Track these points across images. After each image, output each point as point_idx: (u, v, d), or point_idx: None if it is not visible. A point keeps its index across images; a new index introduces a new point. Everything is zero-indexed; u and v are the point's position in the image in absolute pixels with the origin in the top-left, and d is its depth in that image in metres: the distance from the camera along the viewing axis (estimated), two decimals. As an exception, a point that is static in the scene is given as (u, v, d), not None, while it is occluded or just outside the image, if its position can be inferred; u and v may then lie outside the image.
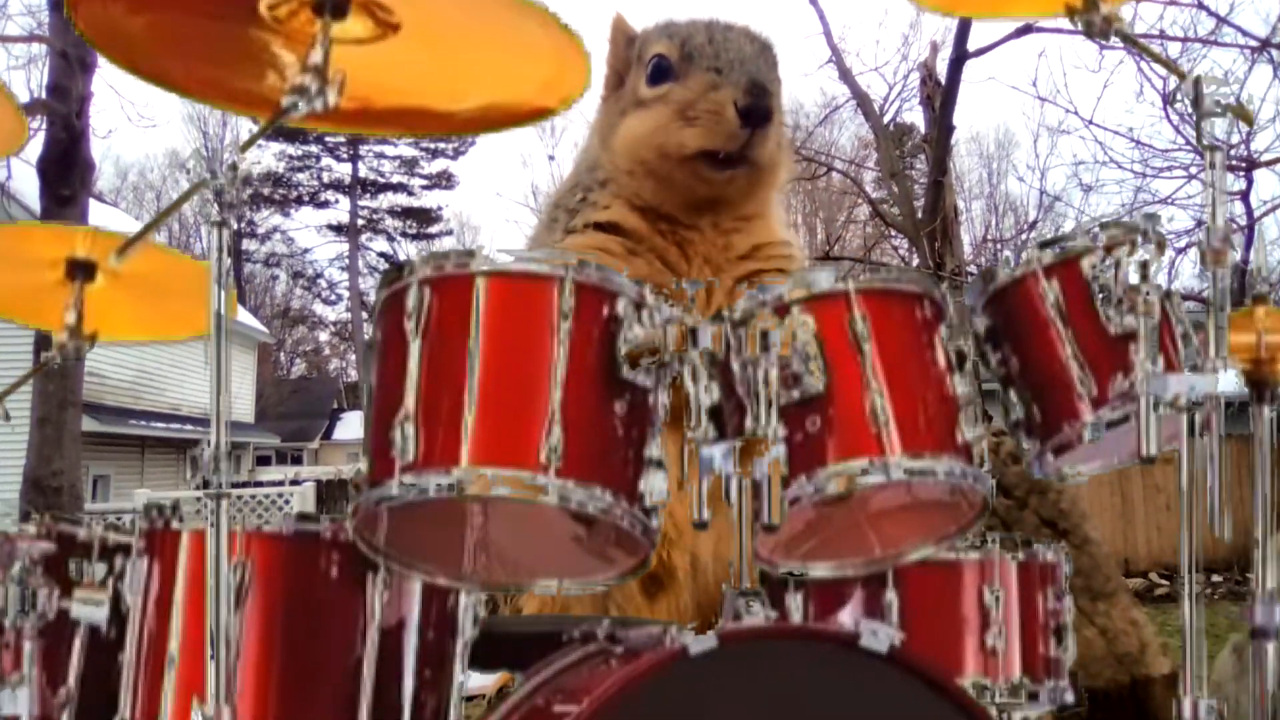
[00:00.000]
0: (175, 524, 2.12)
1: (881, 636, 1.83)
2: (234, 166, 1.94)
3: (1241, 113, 2.00)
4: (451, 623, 2.16)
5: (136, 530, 2.18)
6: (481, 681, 2.92)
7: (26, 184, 15.45)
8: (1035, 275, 2.16)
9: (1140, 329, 2.01)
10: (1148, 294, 2.02)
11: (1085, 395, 2.11)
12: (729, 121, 2.88)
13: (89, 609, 2.24)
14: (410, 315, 1.92)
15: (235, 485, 1.95)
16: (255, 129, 2.19)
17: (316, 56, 1.94)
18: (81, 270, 2.62)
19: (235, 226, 1.99)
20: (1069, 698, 2.38)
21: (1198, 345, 2.05)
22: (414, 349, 1.90)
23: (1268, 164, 13.16)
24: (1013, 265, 2.19)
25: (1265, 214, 13.76)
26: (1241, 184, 13.16)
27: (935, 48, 16.17)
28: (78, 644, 2.32)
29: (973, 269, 15.70)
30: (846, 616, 2.32)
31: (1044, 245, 2.18)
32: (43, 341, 10.32)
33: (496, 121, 2.41)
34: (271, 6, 2.01)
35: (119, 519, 2.55)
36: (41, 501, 10.84)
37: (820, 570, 2.23)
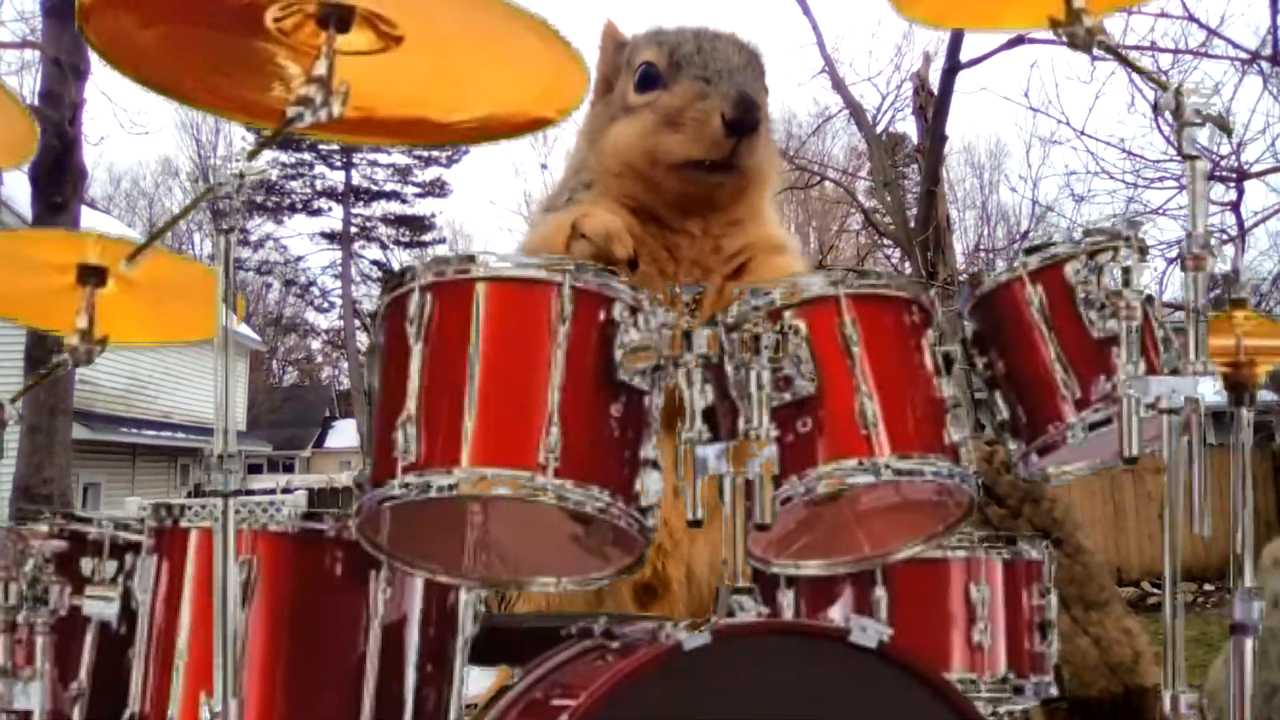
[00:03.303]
0: (184, 523, 2.16)
1: (870, 632, 1.87)
2: (241, 175, 1.98)
3: (1221, 123, 2.04)
4: (452, 619, 2.19)
5: (146, 529, 2.21)
6: (477, 689, 2.94)
7: (18, 190, 15.42)
8: (1020, 280, 2.20)
9: (1122, 333, 2.06)
10: (1130, 299, 2.07)
11: (1069, 397, 2.15)
12: (714, 131, 2.86)
13: (100, 606, 2.28)
14: (412, 320, 1.95)
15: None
16: (252, 136, 2.23)
17: (321, 68, 1.98)
18: (93, 276, 2.65)
19: (237, 233, 2.02)
20: (1053, 691, 2.41)
21: (1178, 349, 2.09)
22: (415, 353, 1.94)
23: (1258, 175, 13.16)
24: (999, 272, 2.24)
25: (1256, 224, 13.78)
26: (1232, 195, 13.16)
27: (928, 58, 16.19)
28: (89, 640, 2.36)
29: (965, 278, 15.70)
30: (836, 613, 2.33)
31: (1029, 251, 2.22)
32: (37, 343, 10.31)
33: (495, 131, 2.45)
34: (278, 20, 2.05)
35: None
36: (32, 510, 10.77)
37: (811, 568, 2.25)
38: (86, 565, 2.30)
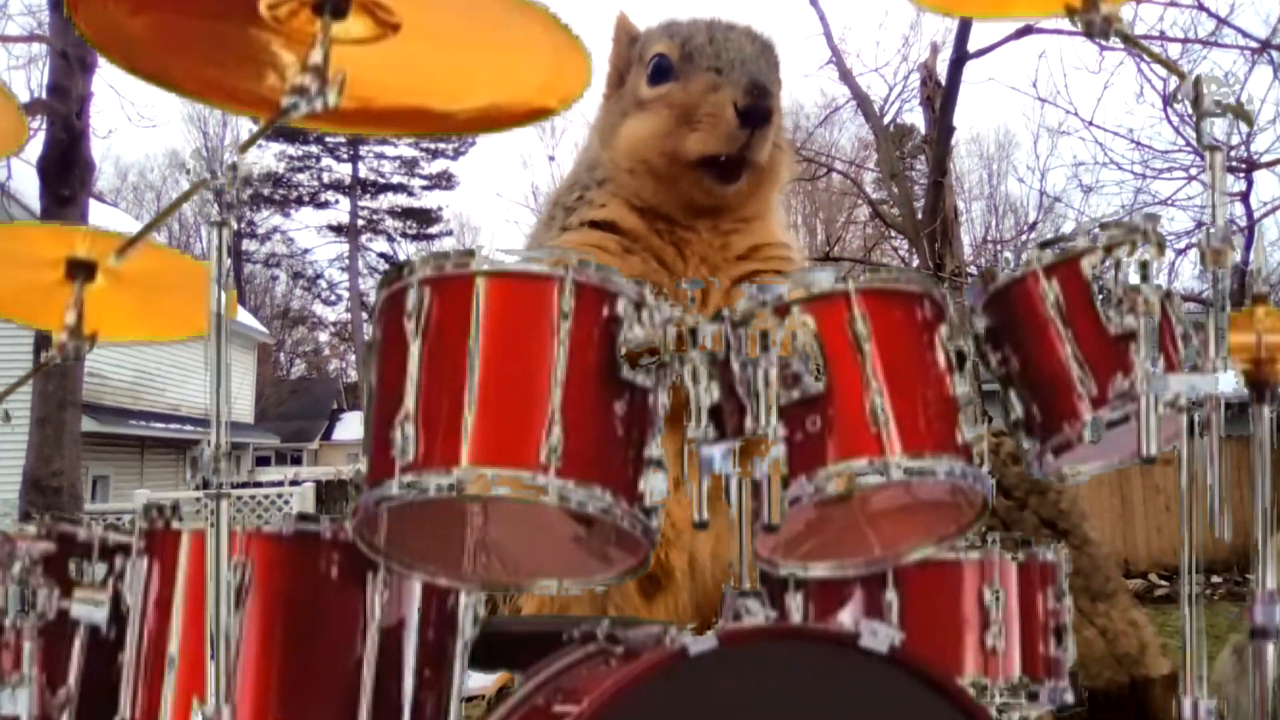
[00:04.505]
0: (175, 524, 2.12)
1: (881, 636, 1.83)
2: (234, 166, 1.94)
3: (1241, 113, 2.00)
4: (451, 623, 2.15)
5: (136, 530, 2.17)
6: (482, 681, 2.92)
7: (26, 184, 15.45)
8: (1035, 275, 2.16)
9: (1140, 329, 2.01)
10: (1148, 294, 2.02)
11: (1085, 395, 2.11)
12: (728, 123, 2.87)
13: (89, 609, 2.23)
14: (410, 315, 1.91)
15: (235, 486, 1.96)
16: (256, 128, 2.19)
17: (316, 56, 1.94)
18: (81, 270, 2.61)
19: (235, 226, 1.99)
20: (1069, 698, 2.38)
21: (1198, 345, 2.05)
22: (414, 349, 1.90)
23: (1268, 165, 13.14)
24: (1013, 265, 2.19)
25: (1265, 215, 13.76)
26: (1241, 185, 13.15)
27: (935, 49, 16.18)
28: (78, 644, 2.31)
29: (973, 270, 15.71)
30: (846, 616, 2.31)
31: (1044, 245, 2.18)
32: (43, 342, 10.37)
33: (496, 121, 2.41)
34: (271, 6, 2.01)
35: (119, 519, 2.54)
36: (41, 501, 10.85)
37: (820, 570, 2.22)
38: (75, 567, 2.26)
